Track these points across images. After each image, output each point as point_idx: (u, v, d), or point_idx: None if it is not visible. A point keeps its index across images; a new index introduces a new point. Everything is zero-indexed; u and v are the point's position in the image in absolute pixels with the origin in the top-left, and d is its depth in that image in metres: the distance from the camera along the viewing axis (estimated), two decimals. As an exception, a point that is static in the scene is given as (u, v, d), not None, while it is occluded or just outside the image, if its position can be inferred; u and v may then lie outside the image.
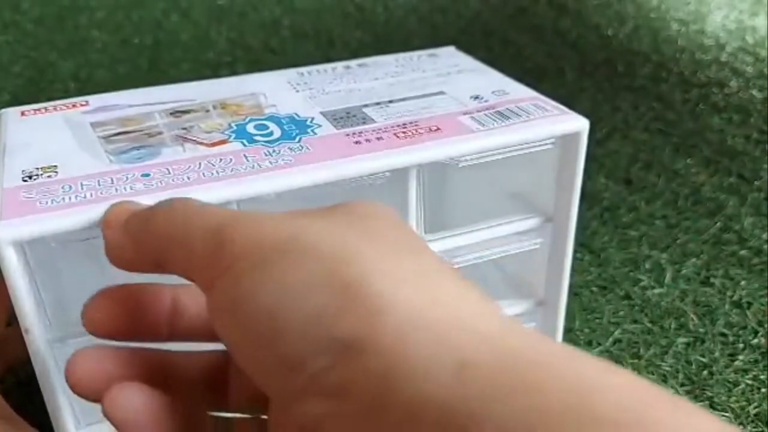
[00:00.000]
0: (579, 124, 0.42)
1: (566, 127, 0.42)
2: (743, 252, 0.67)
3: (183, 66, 1.00)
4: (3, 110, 0.44)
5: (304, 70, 0.50)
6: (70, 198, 0.34)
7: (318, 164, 0.37)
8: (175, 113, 0.43)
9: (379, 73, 0.49)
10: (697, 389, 0.52)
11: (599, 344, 0.56)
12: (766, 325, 0.58)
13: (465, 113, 0.43)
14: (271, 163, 0.38)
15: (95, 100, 0.46)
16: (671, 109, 0.92)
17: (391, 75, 0.49)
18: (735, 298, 0.61)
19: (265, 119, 0.42)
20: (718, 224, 0.70)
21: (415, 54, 0.53)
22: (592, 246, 0.66)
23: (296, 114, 0.43)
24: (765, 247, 0.67)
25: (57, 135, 0.41)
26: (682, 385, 0.52)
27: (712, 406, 0.51)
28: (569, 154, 0.43)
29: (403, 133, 0.40)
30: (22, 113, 0.44)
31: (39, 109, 0.44)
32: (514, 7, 1.23)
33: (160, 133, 0.41)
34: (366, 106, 0.44)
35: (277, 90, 0.47)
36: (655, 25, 1.17)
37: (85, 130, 0.41)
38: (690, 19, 1.20)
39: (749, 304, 0.61)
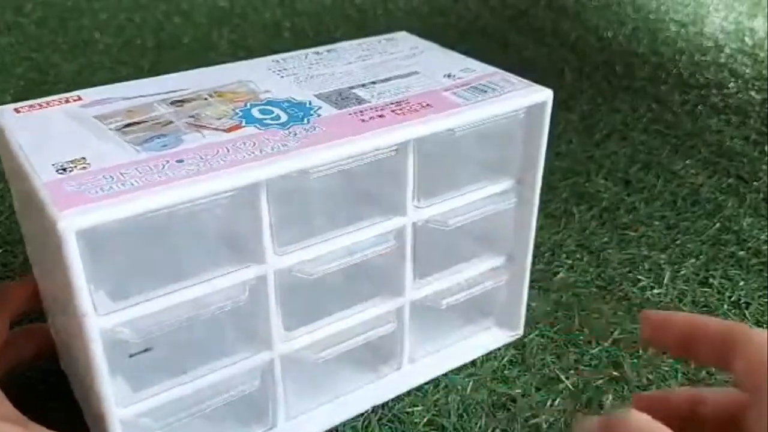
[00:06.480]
0: (546, 95, 0.47)
1: (536, 98, 0.47)
2: (742, 252, 0.67)
3: (184, 67, 1.00)
4: None
5: (278, 57, 0.52)
6: (118, 186, 0.35)
7: (340, 140, 0.39)
8: (175, 103, 0.44)
9: (350, 57, 0.52)
10: (695, 388, 0.53)
11: (599, 344, 0.56)
12: (764, 325, 0.59)
13: (446, 90, 0.46)
14: (295, 142, 0.39)
15: (87, 94, 0.45)
16: (670, 111, 0.92)
17: (362, 59, 0.51)
18: (734, 298, 0.62)
19: (266, 104, 0.44)
20: (717, 225, 0.71)
21: (374, 39, 0.55)
22: (591, 246, 0.67)
23: (293, 98, 0.45)
24: (764, 247, 0.68)
25: (68, 129, 0.41)
26: (682, 384, 0.53)
27: (711, 405, 0.51)
28: (536, 121, 0.47)
29: (400, 110, 0.43)
30: (17, 110, 0.43)
31: (33, 106, 0.44)
32: (513, 9, 1.24)
33: (170, 122, 0.41)
34: (353, 88, 0.46)
35: (263, 77, 0.48)
36: (653, 27, 1.18)
37: (93, 123, 0.42)
38: (689, 21, 1.21)
39: (748, 304, 0.61)
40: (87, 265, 0.34)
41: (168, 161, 0.37)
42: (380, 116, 0.42)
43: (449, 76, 0.48)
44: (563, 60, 1.06)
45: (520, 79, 0.48)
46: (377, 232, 0.45)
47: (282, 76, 0.48)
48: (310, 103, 0.44)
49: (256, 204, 0.38)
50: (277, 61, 0.51)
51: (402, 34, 0.57)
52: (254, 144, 0.39)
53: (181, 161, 0.37)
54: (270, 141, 0.39)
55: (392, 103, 0.44)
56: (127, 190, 0.34)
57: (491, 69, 0.50)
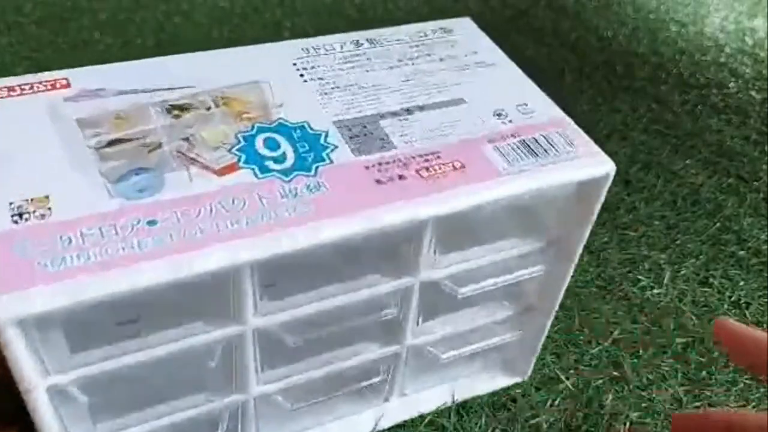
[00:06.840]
0: (607, 168, 0.39)
1: (595, 172, 0.39)
2: (742, 252, 0.67)
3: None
4: None
5: (309, 45, 0.45)
6: (72, 259, 0.30)
7: (340, 218, 0.34)
8: (172, 110, 0.39)
9: (392, 59, 0.44)
10: (696, 389, 0.53)
11: (599, 344, 0.56)
12: (764, 325, 0.59)
13: (489, 141, 0.39)
14: (288, 212, 0.34)
15: (78, 78, 0.41)
16: (670, 111, 0.92)
17: (405, 62, 0.44)
18: (734, 298, 0.62)
19: (275, 130, 0.38)
20: (717, 225, 0.71)
21: (429, 27, 0.48)
22: (592, 246, 0.67)
23: (308, 125, 0.39)
24: (764, 247, 0.68)
25: (41, 141, 0.36)
26: (682, 384, 0.53)
27: (711, 405, 0.51)
28: (591, 192, 0.40)
29: (426, 169, 0.37)
30: None
31: (13, 88, 0.39)
32: (513, 9, 1.24)
33: (159, 145, 0.37)
34: (383, 117, 0.40)
35: (283, 77, 0.42)
36: (654, 27, 1.18)
37: (72, 132, 0.37)
38: (689, 21, 1.21)
39: (748, 304, 0.61)
40: (42, 318, 0.30)
41: (139, 220, 0.32)
42: (401, 177, 0.36)
43: (500, 115, 0.41)
44: (563, 60, 1.05)
45: (582, 134, 0.40)
46: (381, 292, 0.39)
47: (305, 80, 0.42)
48: (326, 138, 0.38)
49: (238, 277, 0.34)
50: (307, 51, 0.44)
51: (464, 23, 0.48)
52: (243, 205, 0.34)
53: (153, 222, 0.33)
54: (262, 204, 0.34)
55: (420, 157, 0.37)
56: (81, 267, 0.30)
57: (549, 109, 0.42)
